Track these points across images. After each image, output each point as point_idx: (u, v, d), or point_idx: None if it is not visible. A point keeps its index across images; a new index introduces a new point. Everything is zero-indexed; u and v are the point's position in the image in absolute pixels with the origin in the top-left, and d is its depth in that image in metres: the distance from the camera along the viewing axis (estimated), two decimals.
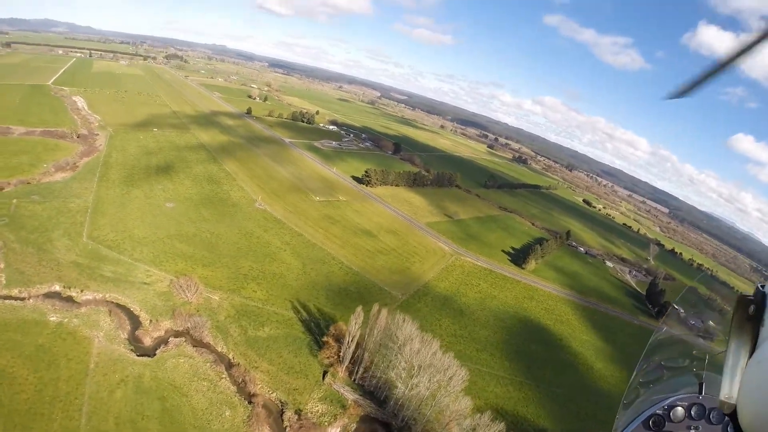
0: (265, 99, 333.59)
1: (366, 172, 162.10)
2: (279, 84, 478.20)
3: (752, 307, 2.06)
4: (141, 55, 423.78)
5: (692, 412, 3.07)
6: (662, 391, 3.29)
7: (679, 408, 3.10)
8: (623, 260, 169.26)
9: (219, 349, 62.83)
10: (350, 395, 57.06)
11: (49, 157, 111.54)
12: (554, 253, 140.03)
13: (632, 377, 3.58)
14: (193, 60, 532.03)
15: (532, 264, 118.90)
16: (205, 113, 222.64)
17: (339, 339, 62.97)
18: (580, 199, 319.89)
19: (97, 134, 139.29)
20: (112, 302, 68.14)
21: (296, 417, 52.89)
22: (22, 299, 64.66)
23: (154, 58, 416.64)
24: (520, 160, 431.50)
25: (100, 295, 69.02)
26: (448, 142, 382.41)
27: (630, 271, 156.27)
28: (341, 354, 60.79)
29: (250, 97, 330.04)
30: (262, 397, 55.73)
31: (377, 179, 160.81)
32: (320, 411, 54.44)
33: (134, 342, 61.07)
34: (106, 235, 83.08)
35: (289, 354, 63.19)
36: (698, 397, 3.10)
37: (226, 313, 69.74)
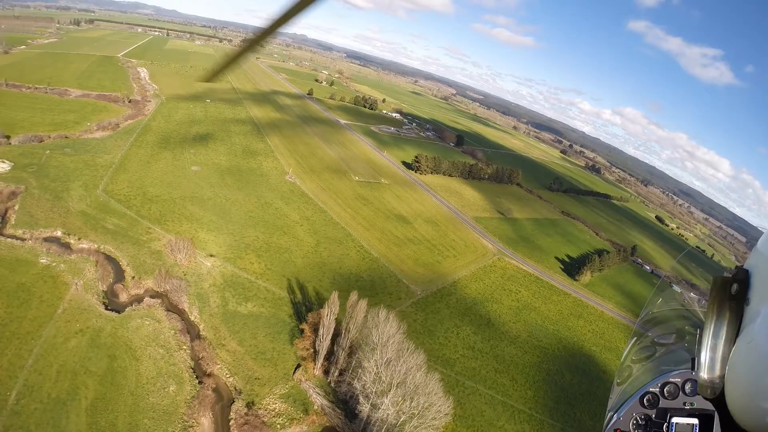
0: (332, 83, 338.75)
1: (416, 157, 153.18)
2: (351, 72, 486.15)
3: (735, 286, 2.06)
4: (218, 38, 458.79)
5: (686, 389, 3.09)
6: (655, 368, 3.29)
7: (673, 385, 3.12)
8: (693, 286, 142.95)
9: (192, 318, 59.04)
10: (318, 399, 48.86)
11: (95, 117, 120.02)
12: (615, 267, 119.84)
13: (624, 355, 3.63)
14: (271, 47, 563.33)
15: (587, 276, 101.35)
16: (264, 91, 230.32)
17: (318, 329, 55.23)
18: (653, 216, 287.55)
19: (149, 101, 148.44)
20: (104, 254, 68.62)
21: (245, 410, 46.21)
22: (23, 240, 67.90)
23: (230, 41, 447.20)
24: (593, 168, 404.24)
25: (95, 246, 69.97)
26: (519, 142, 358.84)
27: (699, 300, 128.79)
28: (317, 347, 52.95)
29: (316, 80, 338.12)
30: (216, 380, 50.15)
31: (428, 166, 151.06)
32: (277, 410, 47.15)
33: (109, 295, 60.47)
34: (120, 190, 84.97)
35: (264, 337, 57.03)
36: (691, 373, 3.10)
37: (212, 281, 66.02)
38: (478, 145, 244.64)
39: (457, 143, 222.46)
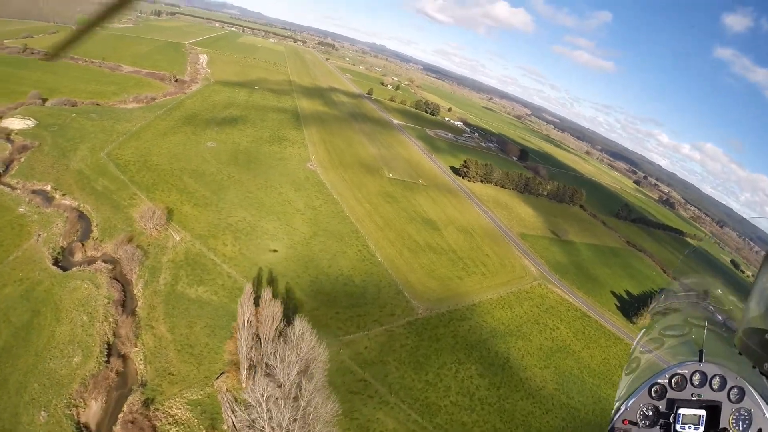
0: (397, 88, 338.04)
1: (465, 162, 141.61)
2: (423, 83, 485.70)
3: None
4: (293, 38, 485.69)
5: (693, 380, 3.23)
6: (663, 359, 3.42)
7: (681, 376, 3.26)
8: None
9: (134, 291, 54.30)
10: (231, 417, 39.85)
11: (135, 90, 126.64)
12: None
13: (633, 346, 3.80)
14: (345, 51, 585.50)
15: (646, 319, 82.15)
16: (321, 87, 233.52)
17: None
18: (728, 259, 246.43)
19: (196, 83, 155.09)
20: (80, 212, 68.36)
21: (140, 406, 38.98)
22: (14, 188, 70.53)
23: (304, 42, 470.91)
24: (667, 203, 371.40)
25: (75, 203, 69.93)
26: (591, 167, 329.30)
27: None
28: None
29: (382, 84, 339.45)
30: (127, 363, 43.94)
31: (477, 173, 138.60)
32: (177, 417, 39.22)
33: (66, 252, 59.34)
34: (123, 155, 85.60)
35: (201, 329, 50.07)
36: (699, 365, 3.24)
37: (173, 256, 61.37)
38: (544, 163, 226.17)
39: (521, 157, 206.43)
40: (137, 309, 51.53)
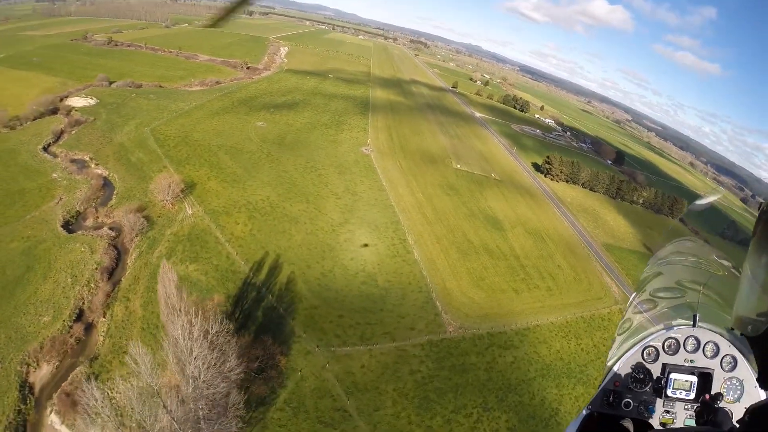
0: (486, 84, 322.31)
1: (548, 158, 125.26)
2: (517, 81, 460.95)
3: None
4: (383, 36, 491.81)
5: (687, 345, 3.30)
6: (657, 322, 3.49)
7: (674, 340, 3.33)
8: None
9: (127, 261, 52.69)
10: (165, 417, 34.42)
11: (202, 76, 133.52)
12: None
13: (627, 307, 3.92)
14: (437, 50, 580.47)
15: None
16: (401, 79, 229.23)
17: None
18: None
19: (268, 70, 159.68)
20: (108, 180, 71.67)
21: (81, 381, 35.25)
22: (56, 156, 76.43)
23: (395, 39, 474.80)
24: None
25: (106, 173, 72.87)
26: (696, 180, 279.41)
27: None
28: None
29: (471, 80, 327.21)
30: (91, 333, 41.35)
31: (561, 171, 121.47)
32: (115, 401, 34.87)
33: (79, 216, 61.24)
34: (167, 131, 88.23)
35: None
36: (693, 330, 3.31)
37: (177, 229, 59.49)
38: (642, 169, 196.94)
39: (616, 161, 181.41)
40: (122, 279, 49.56)
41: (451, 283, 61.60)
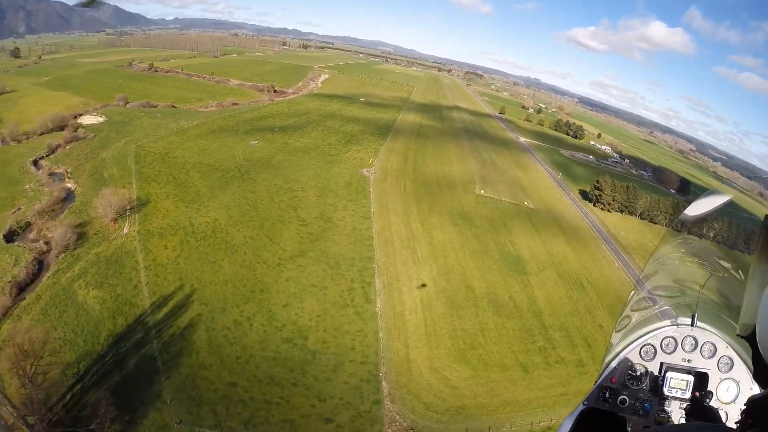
0: (539, 111, 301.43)
1: (597, 182, 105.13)
2: (574, 110, 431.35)
3: None
4: (437, 68, 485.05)
5: (684, 345, 3.31)
6: (655, 320, 3.47)
7: (672, 339, 3.33)
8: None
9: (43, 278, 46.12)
10: None
11: (222, 98, 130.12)
12: None
13: (626, 303, 3.81)
14: (494, 81, 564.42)
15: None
16: (443, 105, 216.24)
17: None
18: None
19: (296, 94, 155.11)
20: (72, 192, 68.18)
21: None
22: (39, 168, 75.31)
23: (449, 71, 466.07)
24: None
25: (74, 186, 70.04)
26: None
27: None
28: None
29: (523, 107, 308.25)
30: None
31: (613, 199, 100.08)
32: None
33: (27, 227, 57.61)
34: (151, 147, 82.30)
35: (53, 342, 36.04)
36: (691, 330, 3.32)
37: (102, 249, 50.75)
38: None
39: (680, 189, 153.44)
40: (26, 296, 42.43)
41: (419, 351, 43.07)
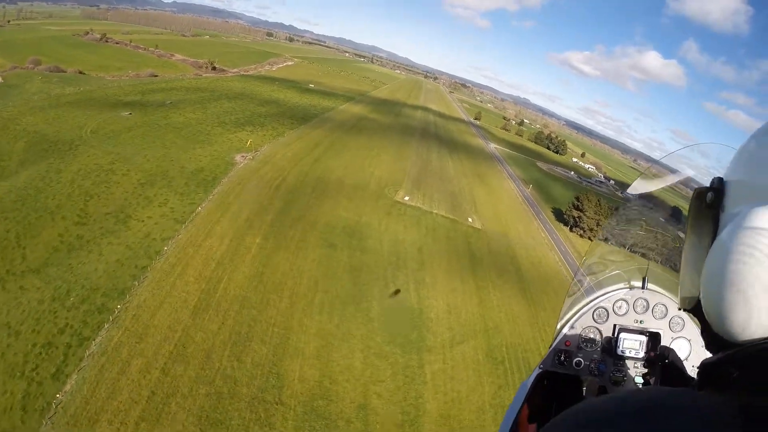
0: (521, 124, 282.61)
1: (577, 199, 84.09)
2: (559, 131, 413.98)
3: (710, 195, 1.68)
4: (423, 75, 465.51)
5: (636, 307, 3.32)
6: (607, 283, 3.46)
7: (624, 302, 3.34)
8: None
9: None
10: None
11: (146, 69, 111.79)
12: None
13: (577, 269, 3.83)
14: (481, 95, 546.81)
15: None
16: (408, 103, 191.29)
17: None
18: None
19: (237, 74, 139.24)
20: None
21: None
22: None
23: (435, 78, 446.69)
24: None
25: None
26: None
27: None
28: None
29: (504, 118, 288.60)
30: None
31: (597, 223, 78.46)
32: None
33: None
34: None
35: None
36: (642, 292, 3.35)
37: None
38: None
39: (671, 217, 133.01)
40: None
41: None
